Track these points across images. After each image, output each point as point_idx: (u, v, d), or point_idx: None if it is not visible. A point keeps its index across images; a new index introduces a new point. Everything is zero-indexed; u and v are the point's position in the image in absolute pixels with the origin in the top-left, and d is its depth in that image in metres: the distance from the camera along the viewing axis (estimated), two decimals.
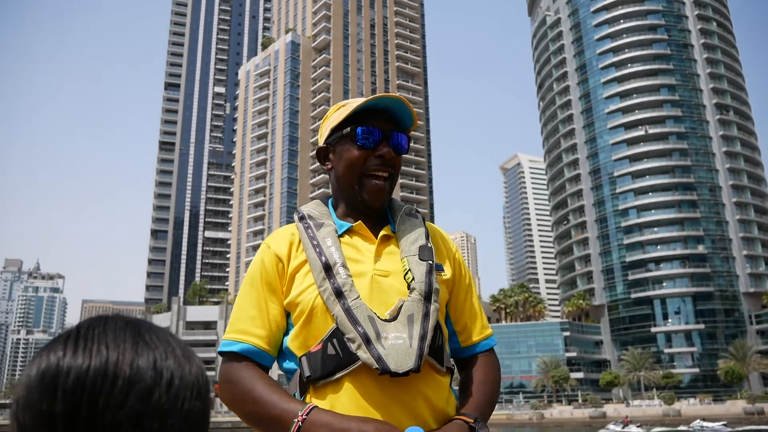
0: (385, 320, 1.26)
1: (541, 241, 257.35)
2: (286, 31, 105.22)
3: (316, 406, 1.18)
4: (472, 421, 1.25)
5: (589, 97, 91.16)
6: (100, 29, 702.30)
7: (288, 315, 1.36)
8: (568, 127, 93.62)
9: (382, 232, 1.41)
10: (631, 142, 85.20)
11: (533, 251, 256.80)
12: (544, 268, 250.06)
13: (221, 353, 1.34)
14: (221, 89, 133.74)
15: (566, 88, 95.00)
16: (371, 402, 1.22)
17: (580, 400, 69.78)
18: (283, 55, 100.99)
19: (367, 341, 1.22)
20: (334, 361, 1.24)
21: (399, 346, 1.22)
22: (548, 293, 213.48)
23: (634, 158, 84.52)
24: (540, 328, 79.77)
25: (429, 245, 1.40)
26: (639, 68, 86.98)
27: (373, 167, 1.39)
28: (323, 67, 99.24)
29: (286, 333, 1.36)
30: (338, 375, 1.23)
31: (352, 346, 1.23)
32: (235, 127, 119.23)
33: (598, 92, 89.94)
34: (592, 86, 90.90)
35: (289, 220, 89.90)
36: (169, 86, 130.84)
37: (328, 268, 1.30)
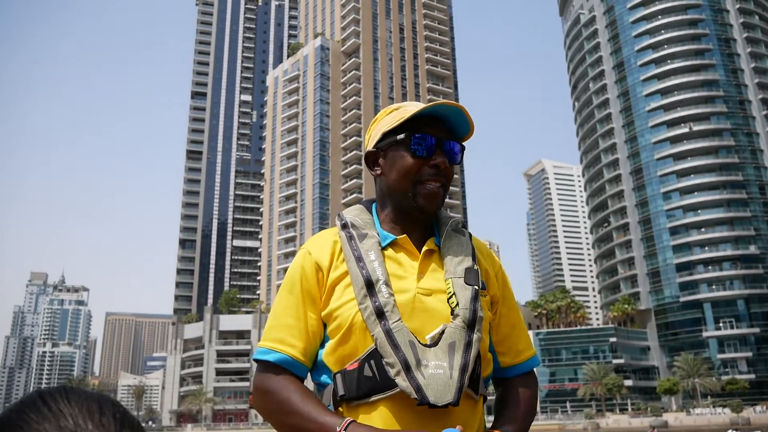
0: (426, 345, 1.23)
1: (567, 247, 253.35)
2: (315, 36, 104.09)
3: (354, 420, 1.16)
4: None
5: (628, 95, 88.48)
6: (125, 40, 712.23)
7: (324, 326, 1.32)
8: (607, 126, 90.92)
9: (425, 247, 1.36)
10: (675, 140, 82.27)
11: (560, 258, 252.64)
12: (572, 276, 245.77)
13: (257, 361, 1.31)
14: (248, 97, 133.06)
15: (603, 87, 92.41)
16: (406, 428, 1.20)
17: (630, 409, 66.83)
18: (312, 60, 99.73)
19: (407, 368, 1.19)
20: (370, 383, 1.21)
21: (439, 376, 1.19)
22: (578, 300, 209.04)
23: (679, 156, 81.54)
24: (585, 334, 76.85)
25: (475, 267, 1.35)
26: (680, 64, 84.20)
27: (427, 176, 1.34)
28: (353, 71, 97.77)
29: (322, 345, 1.33)
30: (373, 398, 1.21)
31: (391, 372, 1.20)
32: (262, 135, 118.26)
33: (637, 90, 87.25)
34: (630, 84, 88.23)
35: (322, 226, 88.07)
36: (195, 95, 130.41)
37: (370, 285, 1.26)
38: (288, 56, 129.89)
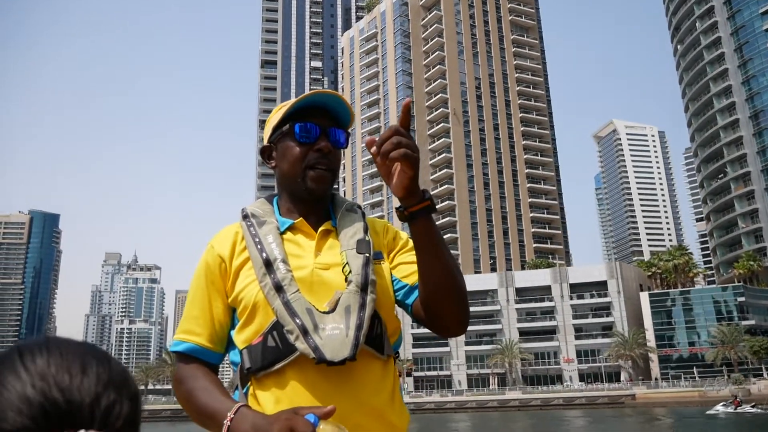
0: (324, 312, 1.30)
1: (644, 211, 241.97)
2: None
3: (243, 405, 1.21)
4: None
5: (743, 32, 80.00)
6: (193, 17, 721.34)
7: (234, 311, 1.40)
8: (719, 68, 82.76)
9: (322, 227, 1.46)
10: None
11: (635, 222, 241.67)
12: (650, 240, 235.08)
13: (173, 352, 1.41)
14: (317, 63, 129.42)
15: (713, 25, 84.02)
16: (313, 391, 1.26)
17: (765, 375, 60.60)
18: (390, 16, 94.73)
19: (305, 332, 1.26)
20: (273, 353, 1.28)
21: (335, 336, 1.26)
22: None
23: None
24: (708, 294, 70.38)
25: (366, 238, 1.44)
26: None
27: (313, 161, 1.43)
28: (435, 25, 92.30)
29: (233, 327, 1.40)
30: (278, 366, 1.28)
31: (291, 338, 1.27)
32: None
33: (755, 25, 78.70)
34: (747, 19, 79.70)
35: None
36: (265, 64, 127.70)
37: (268, 264, 1.35)
38: (356, 19, 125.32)
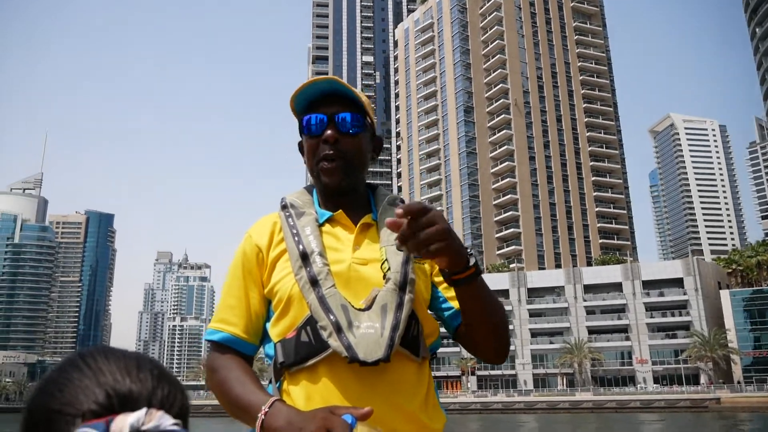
0: (359, 309, 1.27)
1: (704, 208, 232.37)
2: None
3: (278, 400, 1.19)
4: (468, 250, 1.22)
5: None
6: (243, 9, 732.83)
7: (269, 302, 1.39)
8: None
9: (362, 221, 1.42)
10: None
11: (695, 220, 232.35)
12: (710, 237, 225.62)
13: (207, 341, 1.39)
14: (369, 58, 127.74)
15: None
16: (346, 391, 1.24)
17: None
18: (447, 6, 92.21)
19: (339, 330, 1.24)
20: (306, 348, 1.26)
21: (370, 335, 1.23)
22: None
23: None
24: None
25: None
26: None
27: (322, 153, 1.40)
28: (494, 13, 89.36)
29: (269, 320, 1.39)
30: (310, 362, 1.26)
31: (324, 334, 1.24)
32: (387, 95, 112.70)
33: None
34: None
35: (471, 183, 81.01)
36: (316, 59, 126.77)
37: (305, 257, 1.33)
38: (407, 12, 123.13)
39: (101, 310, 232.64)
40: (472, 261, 1.21)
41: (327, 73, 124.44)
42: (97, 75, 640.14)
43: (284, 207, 1.47)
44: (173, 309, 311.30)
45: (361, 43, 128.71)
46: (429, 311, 1.41)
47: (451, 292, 1.37)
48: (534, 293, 74.13)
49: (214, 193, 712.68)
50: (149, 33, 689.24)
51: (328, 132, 1.38)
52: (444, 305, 1.41)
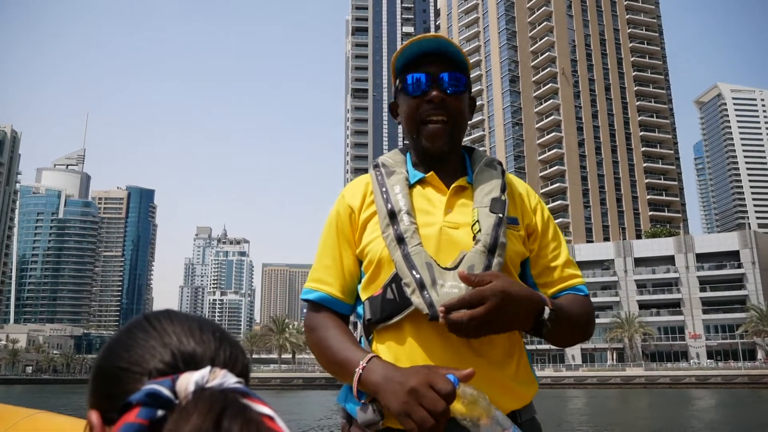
0: (445, 268, 1.25)
1: (751, 181, 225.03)
2: None
3: (375, 356, 1.19)
4: (550, 303, 1.21)
5: None
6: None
7: (361, 263, 1.38)
8: None
9: (456, 183, 1.37)
10: None
11: (742, 193, 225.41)
12: (758, 211, 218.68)
13: (304, 300, 1.40)
14: (409, 29, 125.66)
15: None
16: (431, 351, 1.22)
17: None
18: None
19: (422, 286, 1.22)
20: (391, 305, 1.26)
21: (453, 295, 1.19)
22: None
23: None
24: None
25: (503, 198, 1.35)
26: None
27: (425, 114, 1.35)
28: None
29: (360, 281, 1.39)
30: (395, 319, 1.25)
31: (407, 291, 1.23)
32: None
33: None
34: None
35: (517, 154, 79.09)
36: (356, 31, 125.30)
37: (392, 215, 1.31)
38: None
39: (143, 284, 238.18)
40: (540, 316, 1.19)
41: (367, 45, 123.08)
42: (138, 52, 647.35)
43: (375, 166, 1.44)
44: (213, 283, 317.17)
45: (401, 14, 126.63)
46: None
47: (543, 277, 1.38)
48: (582, 266, 72.55)
49: (253, 169, 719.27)
50: (190, 7, 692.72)
51: (434, 93, 1.33)
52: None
